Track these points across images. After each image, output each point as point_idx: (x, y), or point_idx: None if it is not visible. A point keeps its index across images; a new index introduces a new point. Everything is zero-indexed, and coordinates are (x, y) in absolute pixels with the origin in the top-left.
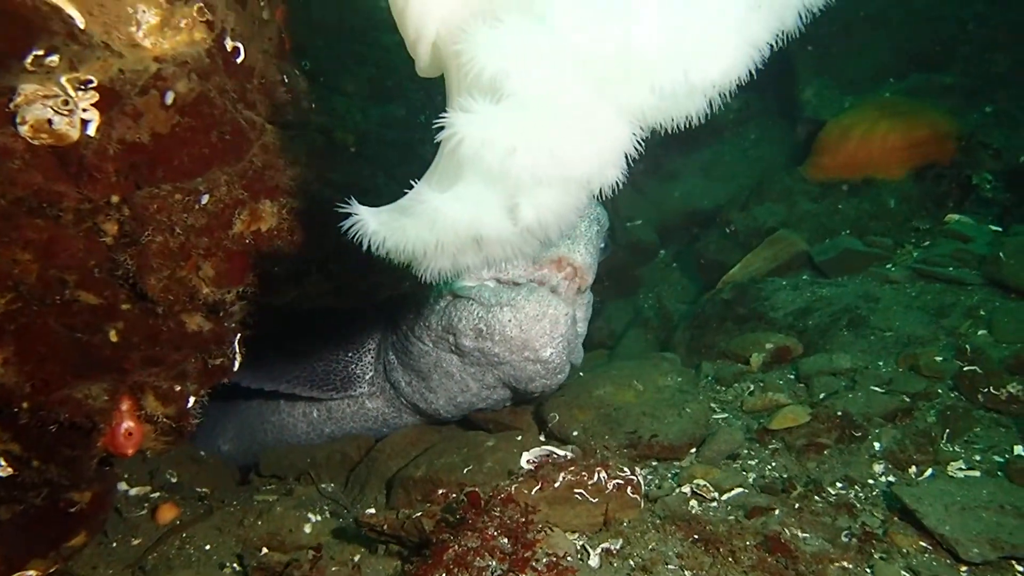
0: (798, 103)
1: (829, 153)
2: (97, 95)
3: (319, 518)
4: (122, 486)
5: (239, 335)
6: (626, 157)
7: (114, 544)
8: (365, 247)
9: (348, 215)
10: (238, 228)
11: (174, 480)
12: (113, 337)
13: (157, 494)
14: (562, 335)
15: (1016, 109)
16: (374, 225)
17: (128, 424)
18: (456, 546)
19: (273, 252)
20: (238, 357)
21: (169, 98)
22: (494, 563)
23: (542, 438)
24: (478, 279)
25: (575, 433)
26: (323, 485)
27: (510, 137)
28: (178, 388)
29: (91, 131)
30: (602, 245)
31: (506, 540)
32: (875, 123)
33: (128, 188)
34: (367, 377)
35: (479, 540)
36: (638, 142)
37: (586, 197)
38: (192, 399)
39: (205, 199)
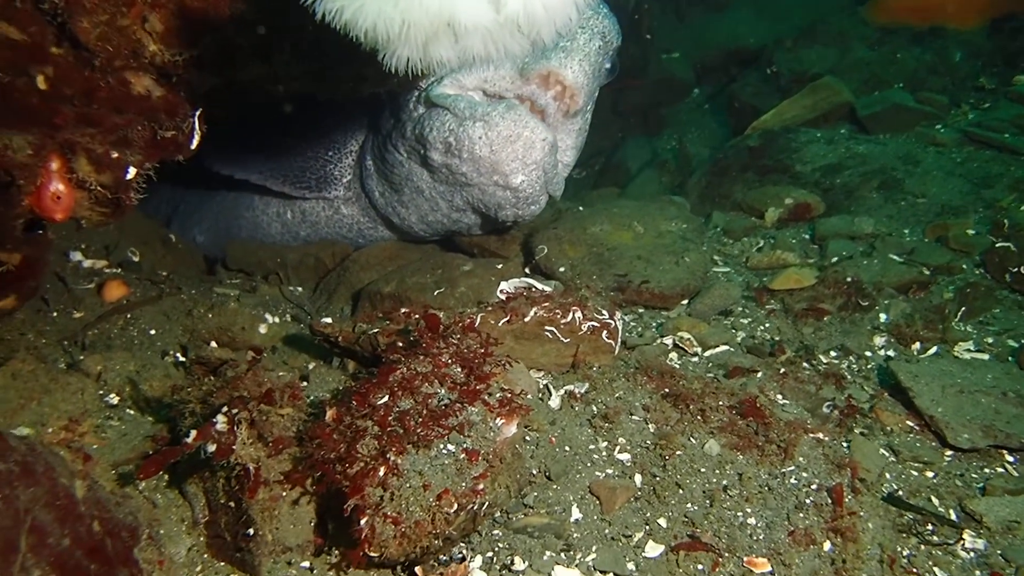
0: None
1: None
2: None
3: (276, 320)
4: (76, 255)
5: (200, 110)
6: None
7: (54, 314)
8: (319, 16)
9: None
10: None
11: (135, 259)
12: (41, 84)
13: (112, 270)
14: (536, 162)
15: None
16: None
17: (57, 186)
18: (405, 368)
19: (236, 16)
20: (197, 134)
21: None
22: (443, 391)
23: (527, 271)
24: (461, 87)
25: (562, 269)
26: (290, 288)
27: None
28: (115, 155)
29: None
30: (607, 66)
31: (460, 369)
32: None
33: None
34: (344, 180)
35: (430, 366)
36: None
37: None
38: (133, 170)
39: None
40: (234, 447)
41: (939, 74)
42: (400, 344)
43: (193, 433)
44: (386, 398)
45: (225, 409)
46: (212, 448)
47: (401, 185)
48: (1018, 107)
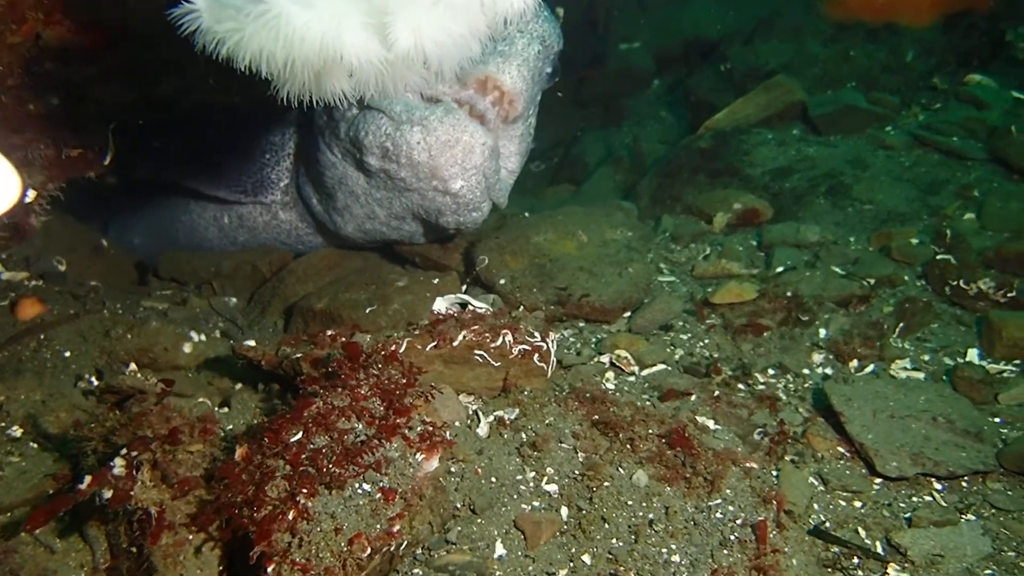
0: None
1: None
2: None
3: (203, 337)
4: None
5: (112, 124)
6: None
7: None
8: (198, 47)
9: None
10: None
11: (62, 268)
12: None
13: (34, 283)
14: (476, 167)
15: None
16: (208, 20)
17: None
18: (321, 402)
19: (142, 32)
20: (110, 149)
21: None
22: (360, 426)
23: (468, 281)
24: None
25: (502, 281)
26: (224, 299)
27: None
28: None
29: None
30: (548, 70)
31: (380, 402)
32: None
33: None
34: (281, 185)
35: (348, 399)
36: None
37: (485, 25)
38: (32, 192)
39: None
40: (132, 492)
41: (892, 72)
42: (320, 374)
43: (87, 479)
44: (300, 435)
45: (124, 451)
46: (108, 494)
47: (334, 189)
48: (967, 109)
